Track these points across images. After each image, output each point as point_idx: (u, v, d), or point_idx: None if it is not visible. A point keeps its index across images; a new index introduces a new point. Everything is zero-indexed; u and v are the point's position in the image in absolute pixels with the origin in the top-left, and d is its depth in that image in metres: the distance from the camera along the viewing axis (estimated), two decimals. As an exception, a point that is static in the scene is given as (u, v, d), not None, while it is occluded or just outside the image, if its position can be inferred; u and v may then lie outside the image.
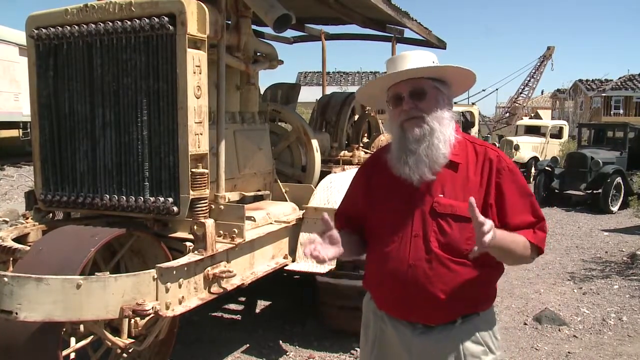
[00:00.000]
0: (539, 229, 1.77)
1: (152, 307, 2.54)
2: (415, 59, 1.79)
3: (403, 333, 1.80)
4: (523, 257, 1.76)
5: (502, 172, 1.76)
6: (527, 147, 16.30)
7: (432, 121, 1.73)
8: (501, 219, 1.74)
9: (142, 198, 2.87)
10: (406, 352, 1.80)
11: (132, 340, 2.89)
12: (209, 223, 2.89)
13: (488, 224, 1.52)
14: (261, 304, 5.01)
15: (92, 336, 2.84)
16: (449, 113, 1.78)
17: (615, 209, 10.61)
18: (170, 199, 2.84)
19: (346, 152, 5.53)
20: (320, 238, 1.68)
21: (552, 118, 27.39)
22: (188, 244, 2.93)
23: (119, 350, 3.05)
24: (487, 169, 1.76)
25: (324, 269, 3.62)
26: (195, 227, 2.88)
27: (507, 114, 29.98)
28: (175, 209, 2.83)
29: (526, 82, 29.81)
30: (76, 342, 2.85)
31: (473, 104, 21.01)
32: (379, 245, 1.82)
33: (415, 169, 1.73)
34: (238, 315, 4.79)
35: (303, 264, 3.72)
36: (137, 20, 2.78)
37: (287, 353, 3.97)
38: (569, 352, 4.08)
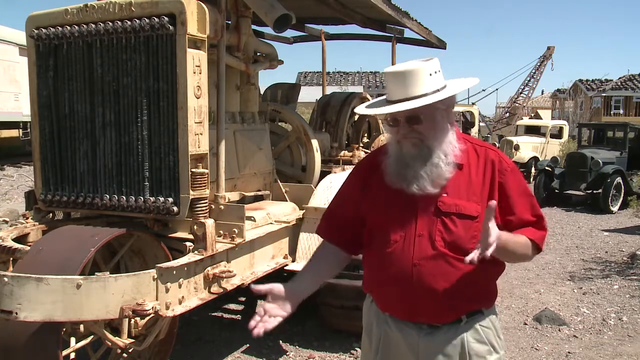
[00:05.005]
0: (539, 227, 1.80)
1: (152, 307, 2.54)
2: (416, 80, 1.69)
3: (409, 335, 1.79)
4: (524, 256, 1.78)
5: (504, 173, 1.77)
6: (527, 147, 16.31)
7: (429, 141, 1.71)
8: (503, 217, 1.76)
9: (142, 198, 2.87)
10: (413, 354, 1.79)
11: (132, 340, 2.89)
12: (209, 223, 2.89)
13: (495, 232, 1.55)
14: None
15: (92, 336, 2.84)
16: (448, 125, 1.75)
17: (615, 209, 10.60)
18: (170, 199, 2.84)
19: (346, 152, 5.53)
20: (268, 303, 1.87)
21: (552, 118, 27.36)
22: (188, 244, 2.93)
23: (119, 350, 3.05)
24: (489, 170, 1.77)
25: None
26: (195, 227, 2.88)
27: (507, 114, 29.96)
28: (175, 209, 2.83)
29: (526, 82, 29.78)
30: (76, 342, 2.85)
31: (473, 104, 21.05)
32: (379, 247, 1.80)
33: (416, 182, 1.71)
34: (238, 315, 4.78)
35: (303, 264, 3.71)
36: (137, 20, 2.78)
37: (287, 353, 3.97)
38: (569, 352, 4.08)
